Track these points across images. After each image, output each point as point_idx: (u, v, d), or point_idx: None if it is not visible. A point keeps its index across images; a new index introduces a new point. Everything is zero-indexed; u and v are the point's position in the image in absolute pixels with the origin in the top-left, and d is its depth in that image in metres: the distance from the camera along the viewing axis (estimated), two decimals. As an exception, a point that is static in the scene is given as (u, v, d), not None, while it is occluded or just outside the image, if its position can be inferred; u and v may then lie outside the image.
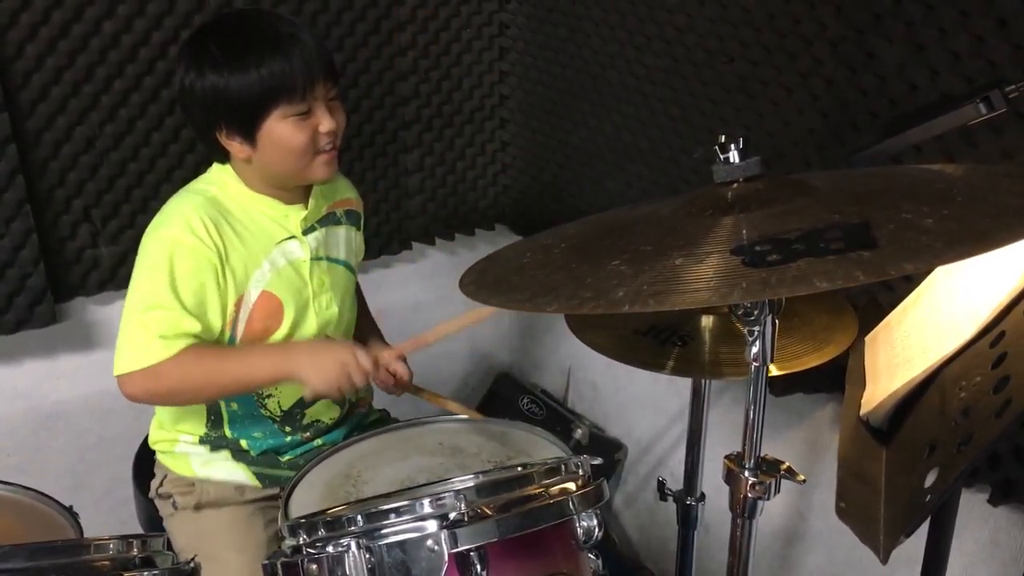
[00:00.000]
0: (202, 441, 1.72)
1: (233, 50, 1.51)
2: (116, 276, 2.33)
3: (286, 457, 1.75)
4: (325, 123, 1.56)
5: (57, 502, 1.55)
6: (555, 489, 1.26)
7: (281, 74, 1.50)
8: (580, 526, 1.28)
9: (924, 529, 1.32)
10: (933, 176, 1.18)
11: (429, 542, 1.17)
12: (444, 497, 1.19)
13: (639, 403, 2.54)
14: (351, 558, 1.18)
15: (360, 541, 1.18)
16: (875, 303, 1.73)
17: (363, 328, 1.90)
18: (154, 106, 2.25)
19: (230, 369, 1.59)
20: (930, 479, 1.21)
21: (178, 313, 1.53)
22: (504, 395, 2.82)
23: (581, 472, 1.32)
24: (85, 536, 1.50)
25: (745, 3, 1.98)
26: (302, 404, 1.72)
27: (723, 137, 1.20)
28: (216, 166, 1.66)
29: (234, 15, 1.63)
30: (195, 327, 1.54)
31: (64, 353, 2.31)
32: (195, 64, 1.54)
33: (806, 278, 0.89)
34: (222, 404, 1.69)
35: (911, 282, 1.51)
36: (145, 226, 1.62)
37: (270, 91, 1.51)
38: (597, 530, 1.28)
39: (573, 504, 1.26)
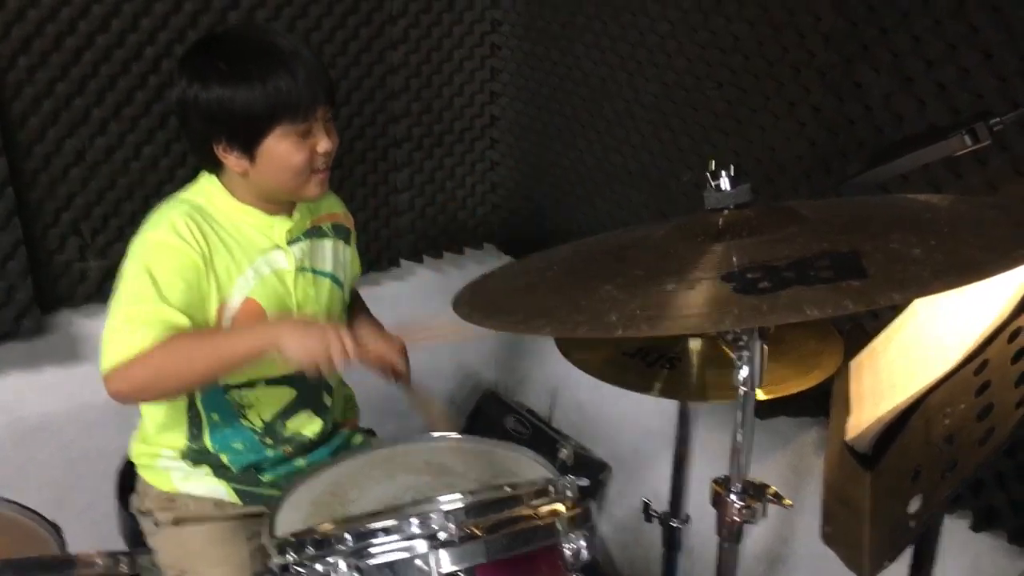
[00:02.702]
0: (183, 456, 1.71)
1: (239, 63, 1.53)
2: (103, 289, 2.32)
3: (267, 476, 1.73)
4: (323, 143, 1.57)
5: (40, 516, 1.54)
6: (544, 511, 1.27)
7: (287, 91, 1.52)
8: (568, 548, 1.28)
9: (907, 554, 1.33)
10: (920, 206, 1.20)
11: (418, 562, 1.17)
12: (434, 517, 1.19)
13: (624, 423, 2.55)
14: (340, 577, 1.18)
15: (350, 560, 1.18)
16: (860, 329, 1.74)
17: (362, 324, 1.87)
18: (145, 120, 2.25)
19: (212, 343, 1.56)
20: (914, 505, 1.22)
21: (162, 307, 1.51)
22: (489, 413, 2.82)
23: (569, 494, 1.33)
24: (68, 550, 1.50)
25: (735, 31, 2.00)
26: (283, 415, 1.72)
27: (713, 163, 1.22)
28: (204, 176, 1.66)
29: (238, 29, 1.64)
30: (181, 320, 1.52)
31: (49, 365, 2.29)
32: (199, 77, 1.54)
33: (797, 306, 0.90)
34: (203, 413, 1.68)
35: (896, 309, 1.52)
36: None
37: (274, 107, 1.52)
38: (585, 552, 1.28)
39: (562, 526, 1.26)
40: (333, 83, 1.63)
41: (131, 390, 1.54)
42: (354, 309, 1.90)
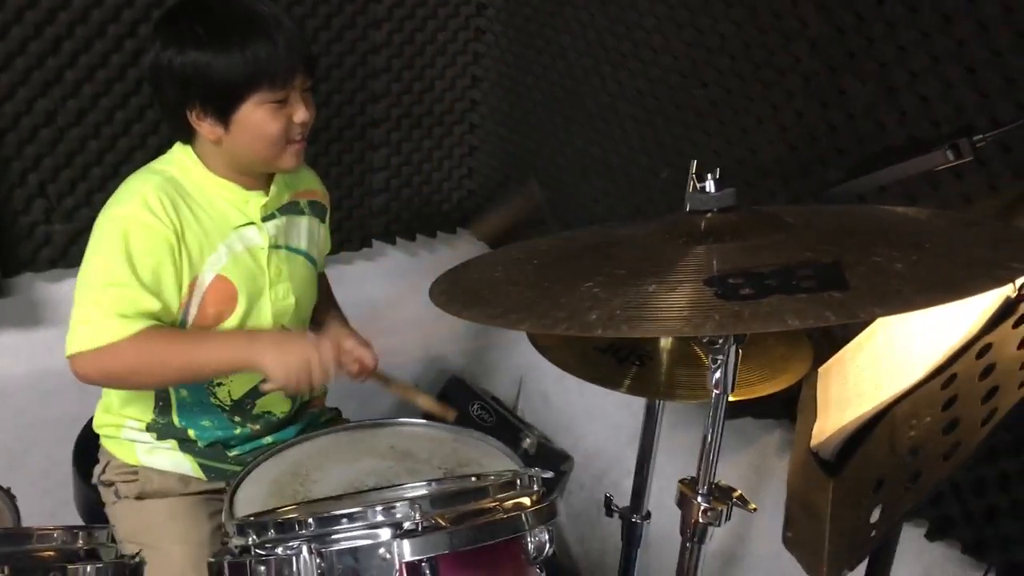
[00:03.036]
0: (149, 428, 1.69)
1: (217, 29, 1.50)
2: (68, 254, 2.28)
3: (233, 452, 1.72)
4: (300, 113, 1.55)
5: (-7, 482, 1.52)
6: (509, 503, 1.27)
7: (265, 58, 1.49)
8: (532, 541, 1.28)
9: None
10: (901, 219, 1.20)
11: (381, 550, 1.16)
12: (398, 505, 1.18)
13: (588, 416, 2.56)
14: (302, 562, 1.17)
15: (312, 545, 1.17)
16: (829, 335, 1.75)
17: (324, 312, 1.86)
18: (120, 84, 2.21)
19: (189, 351, 1.55)
20: (875, 515, 1.24)
21: (136, 290, 1.49)
22: (454, 399, 2.81)
23: (535, 487, 1.33)
24: (22, 519, 1.47)
25: (722, 31, 2.00)
26: (253, 395, 1.70)
27: (695, 164, 1.22)
28: (177, 147, 1.63)
29: None
30: (154, 305, 1.51)
31: (8, 329, 2.25)
32: (175, 41, 1.51)
33: (778, 315, 0.90)
34: (171, 390, 1.66)
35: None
36: (100, 205, 1.59)
37: (252, 74, 1.50)
38: (548, 546, 1.28)
39: (527, 519, 1.26)
40: (313, 53, 1.60)
41: (100, 378, 1.54)
42: (321, 302, 1.87)
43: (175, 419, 1.68)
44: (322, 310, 1.86)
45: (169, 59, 1.51)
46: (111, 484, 1.71)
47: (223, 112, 1.53)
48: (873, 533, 1.24)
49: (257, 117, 1.53)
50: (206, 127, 1.55)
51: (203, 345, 1.57)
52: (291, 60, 1.51)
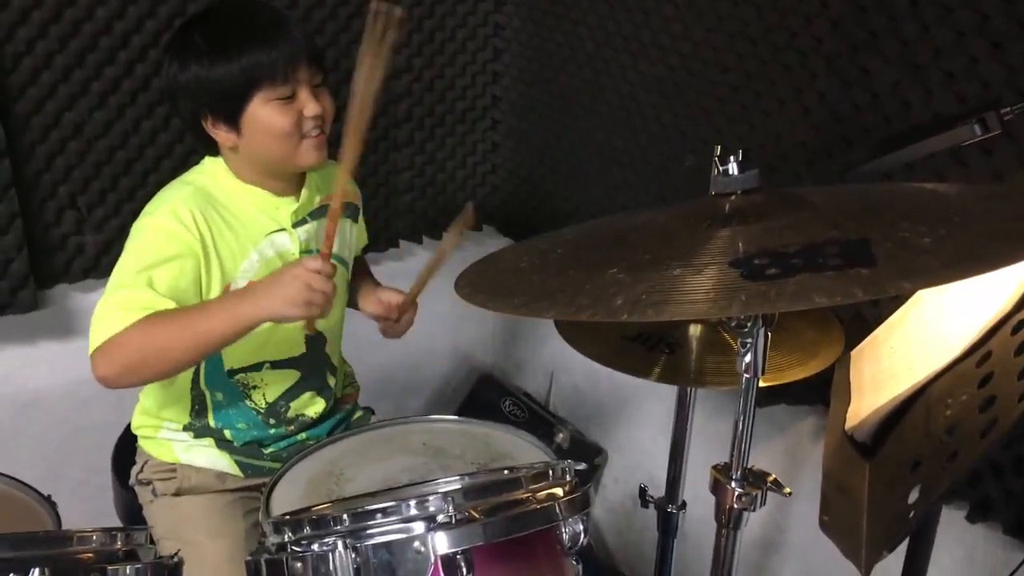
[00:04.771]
0: (186, 428, 1.72)
1: (215, 39, 1.52)
2: (100, 264, 2.31)
3: (269, 449, 1.74)
4: (310, 107, 1.54)
5: (35, 490, 1.54)
6: (542, 494, 1.27)
7: (262, 56, 1.50)
8: (566, 531, 1.28)
9: (903, 544, 1.33)
10: (928, 195, 1.19)
11: (416, 544, 1.16)
12: (432, 499, 1.19)
13: (620, 409, 2.55)
14: (337, 557, 1.17)
15: (347, 540, 1.17)
16: (861, 318, 1.74)
17: (365, 285, 1.89)
18: (144, 94, 2.23)
19: (191, 324, 1.50)
20: (913, 495, 1.22)
21: (144, 291, 1.50)
22: (486, 396, 2.82)
23: (568, 478, 1.32)
24: (63, 525, 1.49)
25: (741, 15, 1.99)
26: (287, 396, 1.72)
27: (718, 148, 1.21)
28: (208, 158, 1.65)
29: (220, 6, 1.62)
30: (160, 304, 1.49)
31: (44, 340, 2.28)
32: (179, 55, 1.54)
33: (805, 293, 0.90)
34: (207, 393, 1.68)
35: (897, 298, 1.52)
36: (131, 215, 1.61)
37: (251, 73, 1.50)
38: (583, 536, 1.28)
39: (560, 510, 1.26)
40: (316, 47, 1.60)
41: (114, 372, 1.49)
42: (364, 282, 1.89)
43: (211, 421, 1.70)
44: (367, 290, 1.87)
45: (175, 73, 1.54)
46: (148, 483, 1.73)
47: (232, 116, 1.54)
48: (912, 514, 1.23)
49: (265, 115, 1.53)
50: (222, 135, 1.56)
51: (204, 314, 1.51)
52: (290, 56, 1.51)
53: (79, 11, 2.09)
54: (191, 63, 1.52)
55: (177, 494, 1.70)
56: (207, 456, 1.72)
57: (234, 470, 1.72)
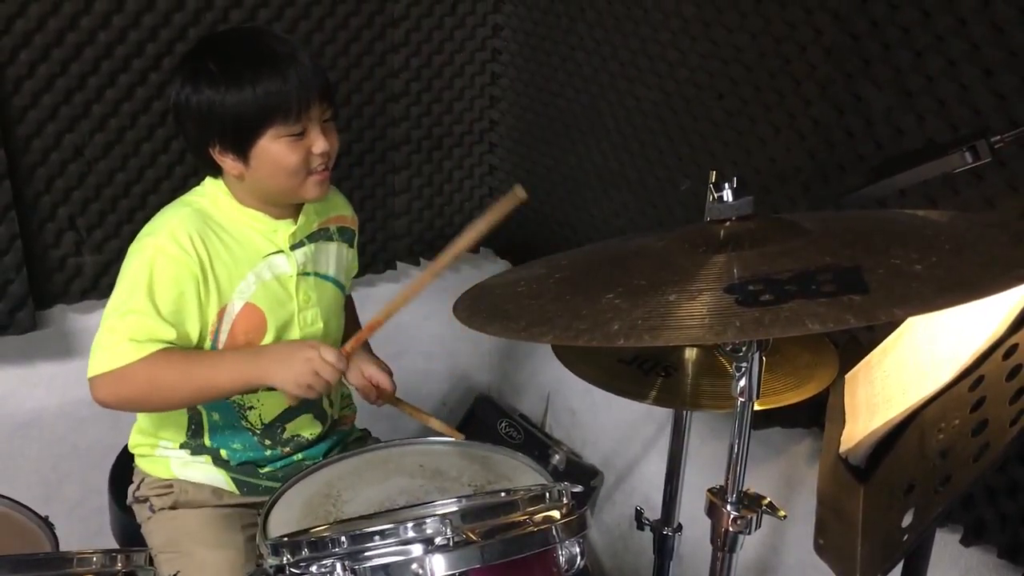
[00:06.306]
0: (182, 447, 1.72)
1: (230, 67, 1.52)
2: (99, 285, 2.32)
3: (265, 469, 1.75)
4: (319, 144, 1.56)
5: (32, 511, 1.54)
6: (539, 517, 1.27)
7: (277, 93, 1.51)
8: (562, 554, 1.28)
9: (897, 567, 1.33)
10: (920, 222, 1.20)
11: (414, 566, 1.17)
12: (429, 521, 1.19)
13: (616, 431, 2.55)
14: (335, 580, 1.18)
15: (345, 563, 1.18)
16: (856, 342, 1.75)
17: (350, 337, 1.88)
18: (145, 117, 2.25)
19: (199, 374, 1.56)
20: (907, 519, 1.23)
21: (152, 319, 1.52)
22: (482, 418, 2.82)
23: (564, 500, 1.33)
24: (60, 547, 1.49)
25: (736, 42, 2.01)
26: (284, 418, 1.72)
27: (713, 174, 1.22)
28: (209, 179, 1.66)
29: (233, 32, 1.64)
30: (169, 334, 1.53)
31: (42, 360, 2.28)
32: (191, 79, 1.54)
33: (798, 319, 0.91)
34: (203, 413, 1.69)
35: (891, 323, 1.53)
36: (130, 236, 1.62)
37: (265, 109, 1.51)
38: (579, 558, 1.29)
39: (557, 532, 1.27)
40: (330, 83, 1.62)
41: (115, 401, 1.56)
42: (348, 326, 1.90)
43: (207, 440, 1.71)
44: (349, 334, 1.88)
45: (187, 97, 1.55)
46: (145, 500, 1.73)
47: (241, 147, 1.55)
48: (906, 537, 1.23)
49: (275, 151, 1.54)
50: (228, 163, 1.57)
51: (212, 367, 1.58)
52: (304, 93, 1.52)
53: (81, 34, 2.11)
54: (204, 87, 1.52)
55: (174, 507, 1.71)
56: (204, 472, 1.72)
57: (231, 487, 1.73)
